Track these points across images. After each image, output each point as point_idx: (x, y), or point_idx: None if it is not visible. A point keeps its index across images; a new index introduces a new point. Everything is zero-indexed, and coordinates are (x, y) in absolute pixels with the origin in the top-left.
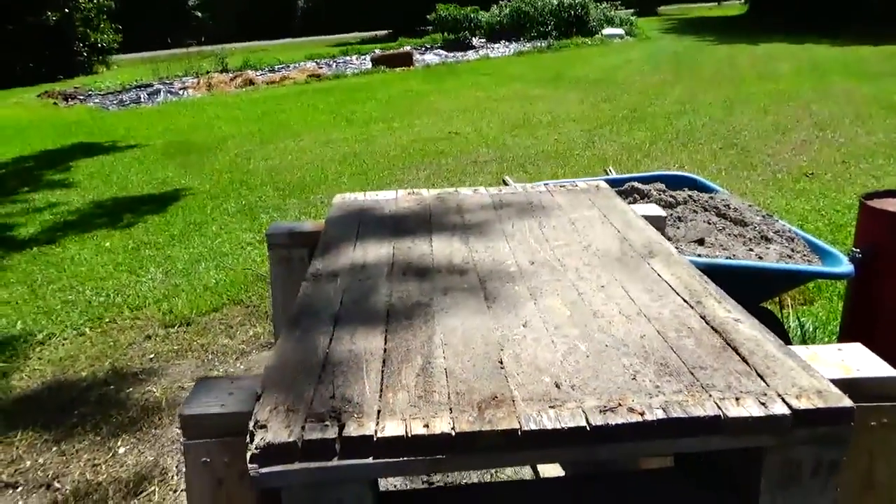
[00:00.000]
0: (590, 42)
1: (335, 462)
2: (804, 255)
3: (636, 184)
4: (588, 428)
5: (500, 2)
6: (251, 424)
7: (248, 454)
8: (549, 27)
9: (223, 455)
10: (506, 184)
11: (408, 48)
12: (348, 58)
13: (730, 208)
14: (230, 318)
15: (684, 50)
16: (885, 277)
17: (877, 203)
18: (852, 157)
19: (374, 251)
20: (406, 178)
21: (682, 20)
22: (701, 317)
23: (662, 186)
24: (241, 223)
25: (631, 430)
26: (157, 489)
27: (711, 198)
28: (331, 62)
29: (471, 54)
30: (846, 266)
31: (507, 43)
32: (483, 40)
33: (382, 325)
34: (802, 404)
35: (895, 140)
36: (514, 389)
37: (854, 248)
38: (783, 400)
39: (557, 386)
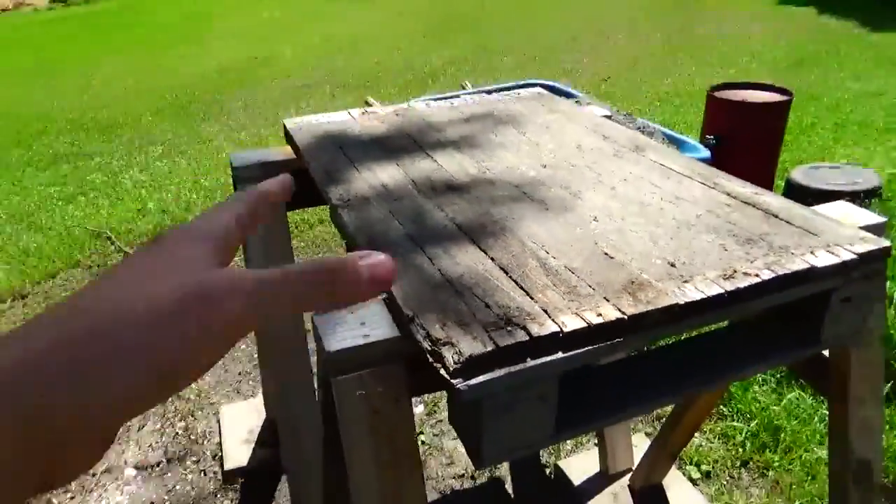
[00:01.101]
0: None
1: (533, 362)
2: (667, 146)
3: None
4: (725, 294)
5: None
6: (426, 344)
7: (444, 370)
8: None
9: (377, 385)
10: (462, 87)
11: None
12: None
13: None
14: (75, 282)
15: None
16: (734, 157)
17: (721, 94)
18: (639, 55)
19: (384, 173)
20: (229, 107)
21: None
22: (728, 194)
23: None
24: (37, 175)
25: (753, 291)
26: None
27: (577, 102)
28: None
29: None
30: (704, 151)
31: None
32: None
33: (466, 240)
34: (857, 248)
35: (672, 41)
36: (642, 273)
37: (708, 136)
38: (843, 248)
39: (672, 265)
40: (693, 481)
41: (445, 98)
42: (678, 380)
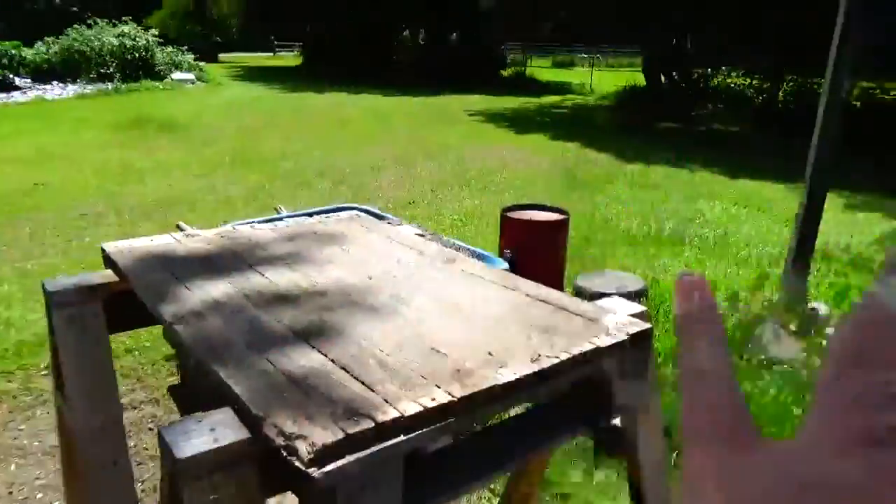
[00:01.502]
0: (161, 86)
1: (380, 445)
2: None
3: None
4: (534, 374)
5: (47, 38)
6: (280, 440)
7: (299, 461)
8: (112, 69)
9: (229, 487)
10: (277, 211)
11: None
12: None
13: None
14: None
15: (261, 96)
16: (528, 267)
17: (512, 214)
18: (433, 185)
19: (216, 290)
20: (2, 238)
21: (245, 68)
22: (527, 294)
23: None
24: None
25: (555, 370)
26: None
27: (390, 223)
28: None
29: (17, 95)
30: (503, 264)
31: (62, 84)
32: (29, 80)
33: (306, 345)
34: (629, 330)
35: (461, 172)
36: (465, 362)
37: (505, 250)
38: (618, 331)
39: (490, 354)
40: None
41: (266, 220)
42: (503, 455)
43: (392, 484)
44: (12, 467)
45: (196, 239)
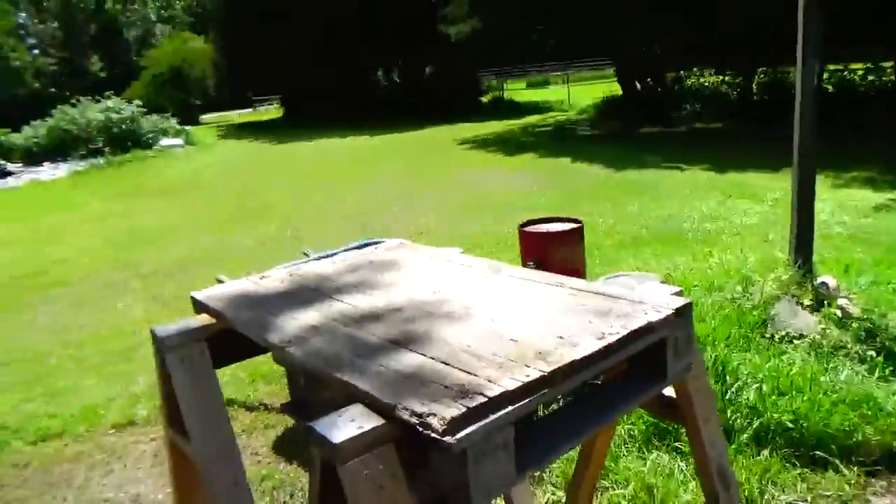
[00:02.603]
0: (151, 154)
1: (494, 415)
2: None
3: None
4: (603, 348)
5: (33, 122)
6: (414, 420)
7: (434, 433)
8: (101, 143)
9: (377, 463)
10: (306, 255)
11: None
12: None
13: None
14: None
15: (251, 151)
16: None
17: (530, 228)
18: (439, 214)
19: (307, 317)
20: (36, 315)
21: (229, 126)
22: (573, 288)
23: None
24: None
25: (619, 344)
26: None
27: None
28: None
29: (11, 181)
30: None
31: (53, 165)
32: (20, 165)
33: (402, 349)
34: (673, 305)
35: (462, 199)
36: (543, 346)
37: (528, 262)
38: (664, 307)
39: (561, 338)
40: None
41: (322, 257)
42: (586, 420)
43: (507, 444)
44: None
45: (270, 279)
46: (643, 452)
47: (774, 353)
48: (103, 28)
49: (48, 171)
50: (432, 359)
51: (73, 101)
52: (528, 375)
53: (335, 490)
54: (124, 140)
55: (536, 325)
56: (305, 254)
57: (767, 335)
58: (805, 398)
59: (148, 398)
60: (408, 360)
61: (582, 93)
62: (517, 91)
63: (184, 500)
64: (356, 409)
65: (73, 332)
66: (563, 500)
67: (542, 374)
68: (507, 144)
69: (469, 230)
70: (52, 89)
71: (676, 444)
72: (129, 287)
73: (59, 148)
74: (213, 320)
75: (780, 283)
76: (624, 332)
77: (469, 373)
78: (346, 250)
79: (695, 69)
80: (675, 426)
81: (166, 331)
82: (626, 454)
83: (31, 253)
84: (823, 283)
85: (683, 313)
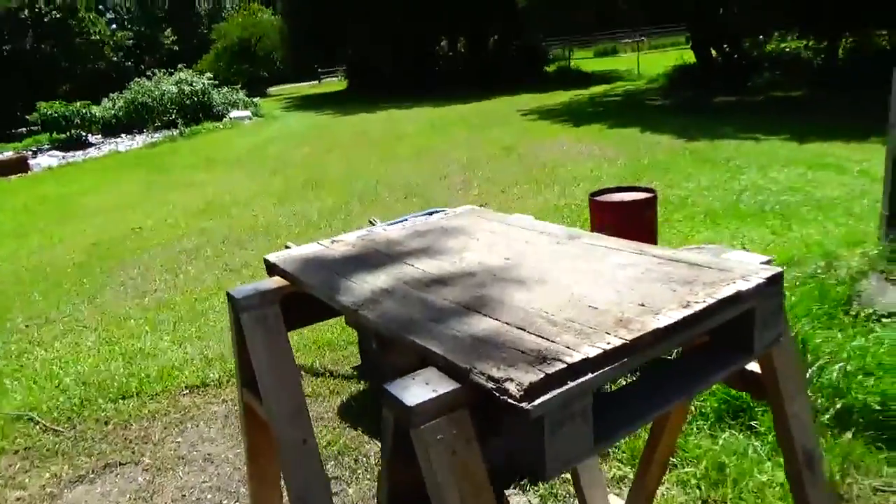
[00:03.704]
0: (221, 126)
1: (573, 383)
2: None
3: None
4: (688, 317)
5: (111, 95)
6: (490, 385)
7: (511, 398)
8: (174, 115)
9: (451, 428)
10: (372, 223)
11: (10, 153)
12: None
13: None
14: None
15: (317, 123)
16: None
17: (602, 198)
18: (502, 186)
19: (377, 280)
20: (117, 280)
21: (295, 98)
22: (655, 256)
23: None
24: None
25: (705, 313)
26: None
27: None
28: None
29: (93, 151)
30: None
31: (130, 136)
32: (100, 136)
33: (477, 314)
34: (763, 274)
35: (526, 170)
36: (624, 314)
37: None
38: (754, 276)
39: (642, 305)
40: None
41: (389, 225)
42: (665, 393)
43: (585, 414)
44: (180, 474)
45: (341, 244)
46: (715, 430)
47: (861, 332)
48: (176, 1)
49: (126, 142)
50: (507, 324)
51: (149, 73)
52: (609, 343)
53: (408, 453)
54: (196, 112)
55: (616, 293)
56: (371, 222)
57: (853, 313)
58: (894, 380)
59: (221, 361)
60: (482, 324)
61: (653, 61)
62: (584, 60)
63: (256, 458)
64: (431, 373)
65: (150, 297)
66: (631, 476)
67: (623, 341)
68: (574, 115)
69: (534, 202)
70: (129, 62)
71: (752, 422)
72: (201, 254)
73: (135, 119)
74: (286, 283)
75: (868, 259)
76: (711, 301)
77: (546, 339)
78: (413, 217)
79: (775, 33)
80: (751, 403)
81: (242, 291)
82: (696, 431)
83: (113, 221)
84: None
85: (775, 282)
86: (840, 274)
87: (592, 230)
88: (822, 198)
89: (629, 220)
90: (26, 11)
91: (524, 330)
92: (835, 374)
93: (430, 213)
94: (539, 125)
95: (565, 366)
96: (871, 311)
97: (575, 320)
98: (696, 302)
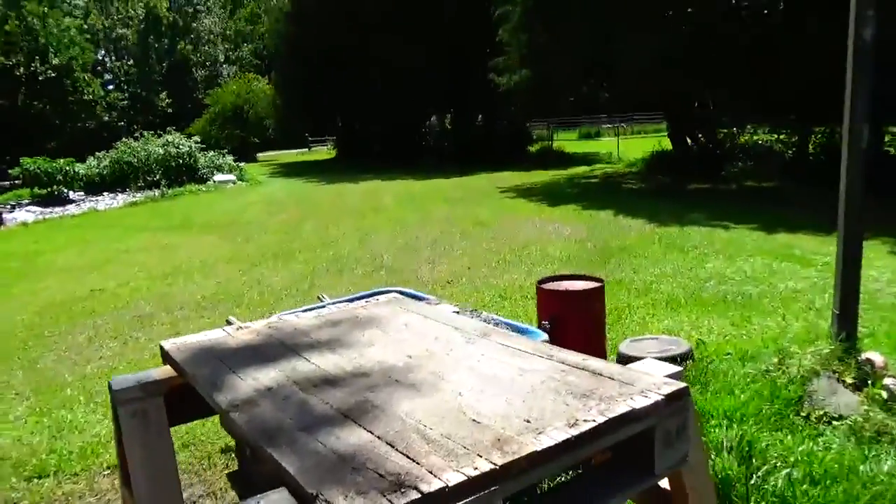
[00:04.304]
0: (204, 189)
1: None
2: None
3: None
4: (572, 438)
5: (98, 153)
6: None
7: None
8: (158, 176)
9: None
10: (320, 300)
11: None
12: None
13: None
14: None
15: (299, 190)
16: (567, 338)
17: (548, 286)
18: (471, 262)
19: (266, 377)
20: (63, 344)
21: (282, 164)
22: (562, 362)
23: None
24: None
25: (593, 433)
26: None
27: (428, 303)
28: None
29: (72, 208)
30: (542, 335)
31: (112, 195)
32: (82, 194)
33: (351, 422)
34: (664, 391)
35: (497, 247)
36: (504, 431)
37: (543, 321)
38: (653, 392)
39: (528, 421)
40: None
41: (311, 309)
42: None
43: None
44: None
45: (245, 331)
46: None
47: (809, 435)
48: (174, 67)
49: (106, 201)
50: (379, 438)
51: (137, 134)
52: (476, 468)
53: None
54: (181, 174)
55: (506, 404)
56: (319, 298)
57: (803, 414)
58: (841, 489)
59: None
60: (353, 437)
61: (633, 146)
62: (567, 141)
63: None
64: (277, 496)
65: (93, 364)
66: None
67: (493, 467)
68: (551, 195)
69: (498, 280)
70: (122, 122)
71: None
72: (155, 321)
73: (119, 179)
74: (175, 373)
75: (819, 357)
76: (601, 420)
77: (413, 459)
78: (357, 297)
79: (748, 126)
80: None
81: (121, 382)
82: None
83: (75, 280)
84: (868, 360)
85: (677, 398)
86: (792, 372)
87: (539, 317)
88: (784, 290)
89: (575, 309)
90: (21, 69)
91: (393, 447)
92: (780, 482)
93: (378, 293)
94: (516, 203)
95: (419, 496)
96: (822, 412)
97: (451, 437)
98: (586, 420)
